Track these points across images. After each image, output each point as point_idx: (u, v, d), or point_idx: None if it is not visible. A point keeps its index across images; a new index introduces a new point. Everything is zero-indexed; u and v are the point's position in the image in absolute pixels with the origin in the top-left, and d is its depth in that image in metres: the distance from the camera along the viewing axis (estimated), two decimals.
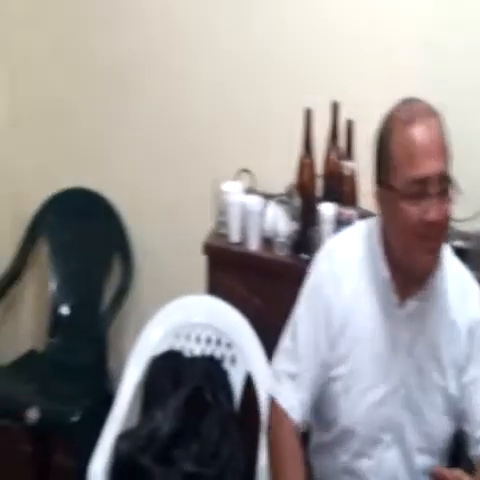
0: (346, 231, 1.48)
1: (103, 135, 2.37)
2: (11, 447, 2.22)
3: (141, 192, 2.36)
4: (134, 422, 1.81)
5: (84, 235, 2.42)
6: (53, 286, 2.42)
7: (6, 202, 2.52)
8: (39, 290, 2.52)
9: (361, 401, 1.35)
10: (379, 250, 1.34)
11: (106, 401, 2.02)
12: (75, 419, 2.07)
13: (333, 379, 1.37)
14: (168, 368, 1.79)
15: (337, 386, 1.36)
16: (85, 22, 2.31)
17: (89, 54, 2.32)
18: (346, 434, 1.38)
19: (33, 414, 2.06)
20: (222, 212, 2.03)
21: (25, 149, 2.48)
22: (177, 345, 1.89)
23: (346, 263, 1.37)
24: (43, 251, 2.46)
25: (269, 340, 1.67)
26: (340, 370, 1.35)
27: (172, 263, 2.34)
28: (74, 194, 2.43)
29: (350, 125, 1.85)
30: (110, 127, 2.35)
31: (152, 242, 2.37)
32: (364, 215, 1.71)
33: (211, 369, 1.76)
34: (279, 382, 1.39)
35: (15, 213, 2.49)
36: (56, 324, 2.40)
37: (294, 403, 1.36)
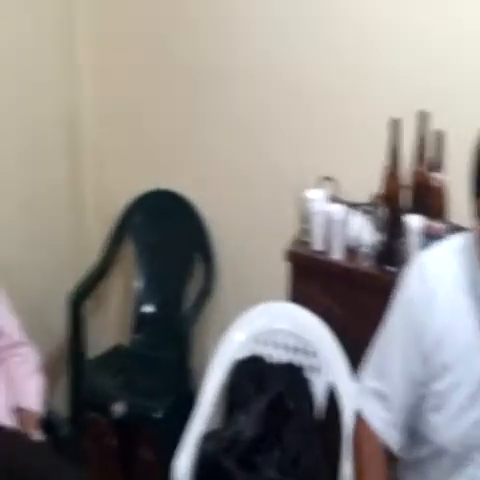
0: (438, 245, 1.44)
1: (189, 137, 2.42)
2: (99, 439, 2.32)
3: (224, 196, 2.40)
4: (216, 423, 1.86)
5: (168, 236, 2.49)
6: (138, 284, 2.50)
7: (94, 202, 2.61)
8: (125, 288, 2.61)
9: (457, 420, 1.33)
10: (478, 264, 1.31)
11: (188, 399, 2.09)
12: (159, 415, 2.14)
13: (426, 396, 1.34)
14: (251, 372, 1.83)
15: (431, 403, 1.34)
16: (168, 22, 2.34)
17: (171, 54, 2.36)
18: (438, 452, 1.36)
19: (119, 408, 2.14)
20: (305, 219, 2.05)
21: (113, 150, 2.57)
22: (258, 350, 1.93)
23: (440, 279, 1.34)
24: (129, 250, 2.54)
25: (351, 351, 1.69)
26: (435, 387, 1.33)
27: (253, 267, 2.37)
28: (159, 195, 2.49)
29: (440, 136, 1.84)
30: (196, 129, 2.40)
31: (234, 246, 2.41)
32: (454, 229, 1.68)
33: (293, 376, 1.79)
34: (366, 399, 1.39)
35: (102, 213, 2.59)
36: (141, 321, 2.48)
37: (383, 423, 1.36)
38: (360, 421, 1.39)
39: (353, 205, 2.02)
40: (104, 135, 2.56)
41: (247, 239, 2.38)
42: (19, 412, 1.79)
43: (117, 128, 2.54)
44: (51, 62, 2.36)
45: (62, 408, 2.29)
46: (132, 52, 2.44)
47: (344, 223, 1.96)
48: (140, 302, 2.50)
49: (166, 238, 2.49)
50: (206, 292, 2.39)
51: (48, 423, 1.84)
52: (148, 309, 2.49)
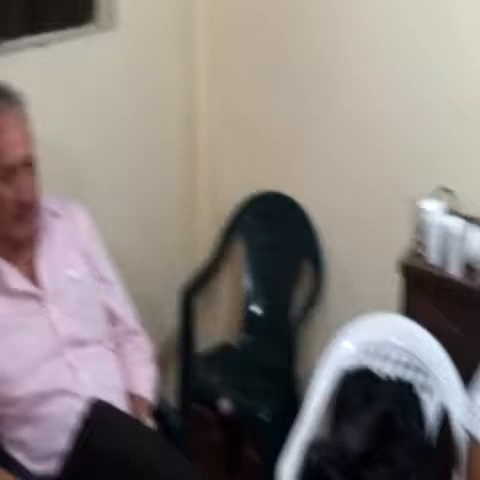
0: None
1: (303, 141, 2.42)
2: (205, 434, 2.38)
3: (335, 202, 2.39)
4: (321, 431, 1.87)
5: (277, 239, 2.51)
6: (247, 285, 2.54)
7: (206, 201, 2.68)
8: (234, 286, 2.65)
9: None
10: None
11: (292, 405, 2.12)
12: (265, 417, 2.18)
13: None
14: (359, 384, 1.83)
15: None
16: (285, 23, 2.34)
17: (286, 56, 2.36)
18: None
19: (226, 404, 2.20)
20: (420, 231, 2.01)
21: (226, 150, 2.61)
22: (367, 362, 1.92)
23: None
24: (239, 250, 2.59)
25: (465, 372, 1.65)
26: None
27: (363, 277, 2.35)
28: (271, 198, 2.52)
29: None
30: (310, 133, 2.40)
31: (344, 253, 2.40)
32: None
33: (402, 393, 1.77)
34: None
35: (214, 212, 2.65)
36: (249, 322, 2.52)
37: None
38: (474, 444, 1.37)
39: (472, 219, 1.98)
40: (219, 136, 2.61)
41: (358, 247, 2.36)
42: (131, 398, 1.86)
43: (232, 129, 2.58)
44: (171, 64, 2.43)
45: (170, 400, 2.37)
46: (248, 54, 2.47)
47: (462, 238, 1.92)
48: (248, 302, 2.54)
49: (275, 241, 2.51)
50: (314, 298, 2.40)
51: (158, 412, 1.90)
52: (256, 310, 2.53)
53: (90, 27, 2.16)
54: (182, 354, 2.43)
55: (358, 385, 1.83)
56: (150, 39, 2.32)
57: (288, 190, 2.47)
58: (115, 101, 2.26)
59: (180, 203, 2.60)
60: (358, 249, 2.36)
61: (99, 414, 1.68)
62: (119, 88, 2.26)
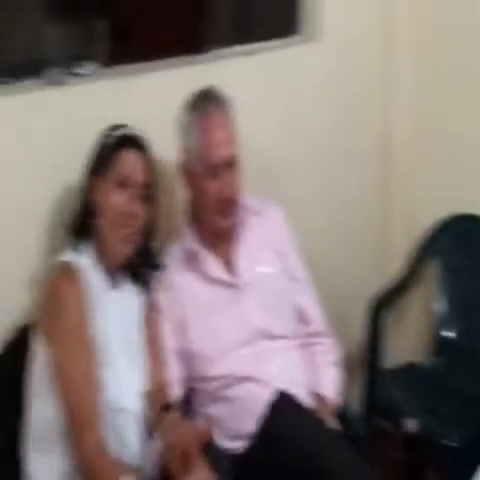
0: None
1: None
2: (387, 450, 2.29)
3: None
4: None
5: (476, 262, 2.40)
6: (440, 307, 2.45)
7: (400, 218, 2.63)
8: (425, 307, 2.55)
9: None
10: None
11: None
12: (455, 443, 2.06)
13: None
14: None
15: None
16: None
17: None
18: None
19: (412, 425, 2.10)
20: None
21: (424, 168, 2.55)
22: None
23: None
24: (432, 271, 2.50)
25: None
26: None
27: None
28: (468, 219, 2.42)
29: None
30: None
31: None
32: None
33: None
34: None
35: (408, 230, 2.58)
36: (441, 345, 2.42)
37: None
38: None
39: None
40: (417, 153, 2.55)
41: None
42: (316, 397, 1.86)
43: (431, 147, 2.52)
44: (372, 75, 2.44)
45: (354, 410, 2.32)
46: (453, 67, 2.39)
47: None
48: (441, 325, 2.44)
49: (473, 264, 2.40)
50: None
51: (342, 417, 1.88)
52: (449, 334, 2.42)
53: (295, 38, 2.25)
54: (368, 368, 2.38)
55: None
56: (353, 50, 2.36)
57: None
58: (316, 110, 2.31)
59: (373, 215, 2.58)
60: None
61: (285, 404, 1.71)
62: (321, 97, 2.31)
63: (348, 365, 2.11)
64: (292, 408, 1.71)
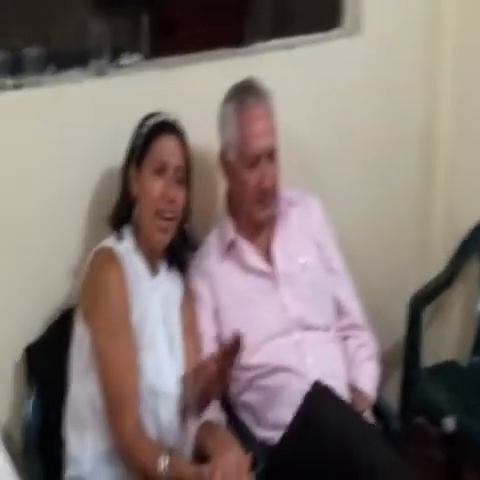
0: None
1: None
2: (425, 448, 2.28)
3: None
4: None
5: None
6: None
7: (442, 215, 2.58)
8: (466, 305, 2.51)
9: None
10: None
11: None
12: None
13: None
14: None
15: None
16: None
17: None
18: None
19: (450, 424, 2.08)
20: None
21: (467, 166, 2.51)
22: None
23: None
24: (474, 268, 2.45)
25: None
26: None
27: None
28: None
29: None
30: None
31: None
32: None
33: None
34: None
35: (450, 227, 2.54)
36: None
37: None
38: None
39: None
40: (460, 150, 2.51)
41: None
42: (353, 391, 1.85)
43: (475, 141, 2.47)
44: (413, 71, 2.41)
45: (391, 406, 2.30)
46: None
47: None
48: None
49: None
50: None
51: (378, 412, 1.86)
52: None
53: (335, 32, 2.24)
54: (407, 365, 2.35)
55: None
56: (394, 45, 2.33)
57: None
58: (357, 103, 2.30)
59: (414, 210, 2.55)
60: None
61: (322, 396, 1.70)
62: (361, 91, 2.30)
63: (386, 361, 2.09)
64: (329, 400, 1.70)
